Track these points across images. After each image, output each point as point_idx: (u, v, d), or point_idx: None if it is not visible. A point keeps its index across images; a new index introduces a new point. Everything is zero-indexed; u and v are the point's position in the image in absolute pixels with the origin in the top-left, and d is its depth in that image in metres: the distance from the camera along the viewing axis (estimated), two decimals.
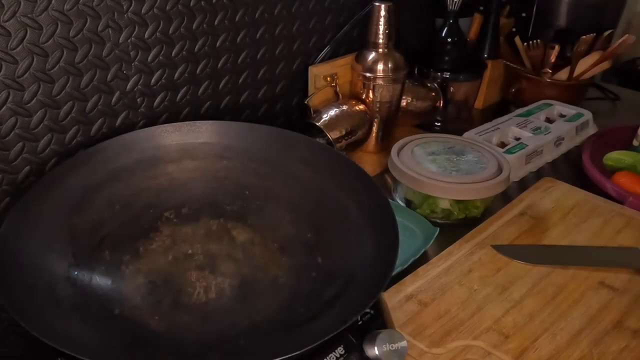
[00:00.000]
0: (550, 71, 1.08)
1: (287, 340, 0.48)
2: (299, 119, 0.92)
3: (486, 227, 0.75)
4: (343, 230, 0.57)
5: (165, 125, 0.66)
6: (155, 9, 0.68)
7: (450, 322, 0.60)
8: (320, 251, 0.58)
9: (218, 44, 0.76)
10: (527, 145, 0.89)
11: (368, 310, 0.51)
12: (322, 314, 0.49)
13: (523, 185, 0.87)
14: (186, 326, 0.53)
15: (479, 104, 1.12)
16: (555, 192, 0.83)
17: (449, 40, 0.98)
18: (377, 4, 0.84)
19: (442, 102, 1.00)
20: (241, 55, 0.80)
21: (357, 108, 0.90)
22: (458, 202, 0.77)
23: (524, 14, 1.14)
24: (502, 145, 0.91)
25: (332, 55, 0.93)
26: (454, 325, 0.60)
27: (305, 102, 0.87)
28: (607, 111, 1.17)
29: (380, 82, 0.88)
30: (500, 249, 0.71)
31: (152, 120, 0.74)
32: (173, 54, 0.72)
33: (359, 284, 0.50)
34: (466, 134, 0.91)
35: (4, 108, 0.60)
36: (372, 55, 0.88)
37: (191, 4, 0.71)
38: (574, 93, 1.09)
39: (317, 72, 0.89)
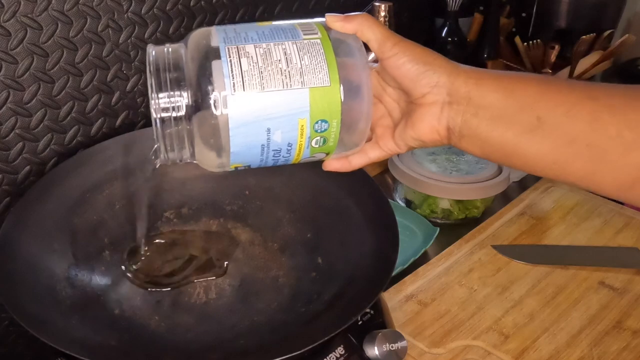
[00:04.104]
0: (550, 71, 1.08)
1: (287, 340, 0.48)
2: None
3: (486, 227, 0.75)
4: (343, 230, 0.57)
5: None
6: (155, 9, 0.68)
7: (450, 322, 0.60)
8: (320, 251, 0.58)
9: None
10: None
11: (368, 310, 0.51)
12: (322, 314, 0.49)
13: (523, 185, 0.87)
14: (186, 326, 0.53)
15: None
16: (555, 192, 0.83)
17: (449, 40, 0.97)
18: (377, 4, 0.84)
19: None
20: None
21: None
22: (458, 202, 0.77)
23: (524, 14, 1.14)
24: None
25: None
26: (454, 325, 0.60)
27: None
28: None
29: None
30: (500, 249, 0.71)
31: None
32: None
33: (359, 284, 0.50)
34: None
35: (4, 108, 0.60)
36: (372, 55, 0.87)
37: (191, 4, 0.71)
38: None
39: None
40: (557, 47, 1.05)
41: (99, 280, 0.55)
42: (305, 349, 0.42)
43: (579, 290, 0.65)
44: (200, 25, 0.73)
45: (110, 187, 0.61)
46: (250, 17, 0.78)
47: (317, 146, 0.39)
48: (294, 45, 0.38)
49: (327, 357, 0.46)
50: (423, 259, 0.69)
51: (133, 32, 0.67)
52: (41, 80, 0.61)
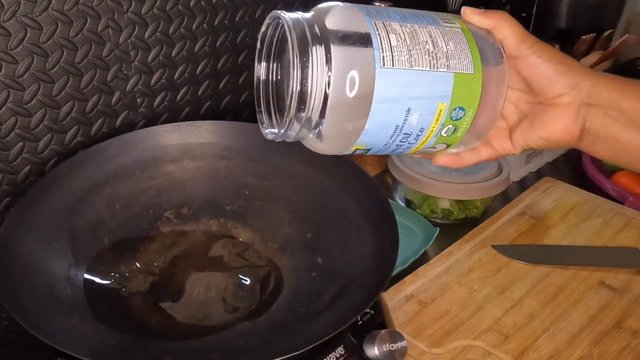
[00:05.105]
0: None
1: (287, 340, 0.48)
2: None
3: (486, 227, 0.75)
4: (343, 230, 0.57)
5: (165, 125, 0.66)
6: (155, 9, 0.68)
7: (450, 322, 0.60)
8: (320, 251, 0.58)
9: (218, 44, 0.76)
10: None
11: (368, 310, 0.51)
12: (322, 314, 0.49)
13: (523, 185, 0.87)
14: (186, 326, 0.53)
15: None
16: (555, 192, 0.83)
17: None
18: (377, 4, 0.84)
19: None
20: (241, 55, 0.80)
21: None
22: (458, 202, 0.77)
23: (524, 14, 1.14)
24: None
25: None
26: (454, 325, 0.60)
27: None
28: None
29: None
30: (500, 249, 0.71)
31: (152, 120, 0.73)
32: (173, 54, 0.72)
33: (359, 284, 0.50)
34: None
35: (4, 108, 0.60)
36: None
37: (191, 4, 0.71)
38: None
39: None
40: (557, 47, 1.05)
41: (99, 280, 0.55)
42: (305, 349, 0.42)
43: (579, 290, 0.65)
44: (200, 25, 0.73)
45: (110, 187, 0.61)
46: (251, 17, 0.78)
47: (445, 135, 0.39)
48: (438, 30, 0.37)
49: (327, 357, 0.46)
50: (423, 259, 0.69)
51: (133, 32, 0.67)
52: (41, 80, 0.61)
